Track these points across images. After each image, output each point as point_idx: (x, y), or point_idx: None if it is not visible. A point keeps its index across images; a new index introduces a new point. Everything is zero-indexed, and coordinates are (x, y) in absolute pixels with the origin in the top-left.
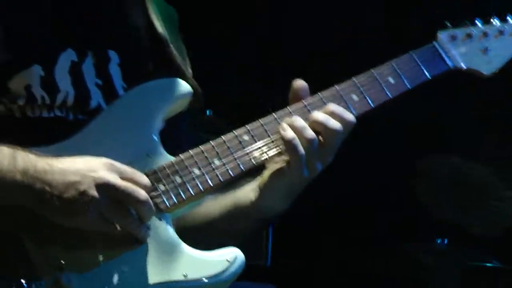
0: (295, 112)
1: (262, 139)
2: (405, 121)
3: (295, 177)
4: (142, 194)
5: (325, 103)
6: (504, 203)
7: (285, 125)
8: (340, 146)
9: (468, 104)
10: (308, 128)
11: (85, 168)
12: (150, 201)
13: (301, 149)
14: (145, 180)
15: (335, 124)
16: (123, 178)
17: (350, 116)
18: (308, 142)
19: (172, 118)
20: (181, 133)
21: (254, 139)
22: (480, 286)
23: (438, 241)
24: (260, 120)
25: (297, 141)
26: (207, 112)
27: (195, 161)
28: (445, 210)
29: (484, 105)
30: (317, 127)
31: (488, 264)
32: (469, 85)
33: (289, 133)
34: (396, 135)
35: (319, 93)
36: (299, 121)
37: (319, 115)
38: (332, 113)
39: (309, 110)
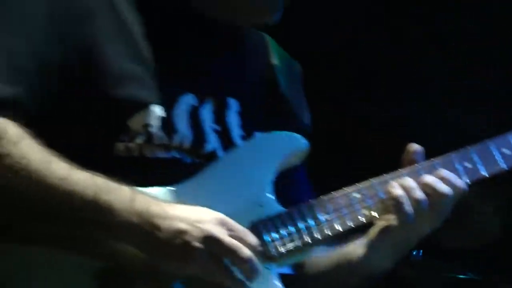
0: (406, 174)
1: (372, 197)
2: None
3: (402, 236)
4: (246, 253)
5: (436, 169)
6: (482, 217)
7: (394, 183)
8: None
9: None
10: (418, 188)
11: (195, 219)
12: (255, 260)
13: (409, 208)
14: (252, 239)
15: (444, 188)
16: (232, 235)
17: (460, 182)
18: (416, 202)
19: (288, 170)
20: (295, 185)
21: (364, 197)
22: None
23: (414, 253)
24: (371, 179)
25: (405, 200)
26: None
27: (304, 214)
28: None
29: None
30: (427, 189)
31: (462, 276)
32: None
33: (398, 191)
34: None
35: (432, 159)
36: (409, 181)
37: (429, 178)
38: (442, 177)
39: (420, 174)
